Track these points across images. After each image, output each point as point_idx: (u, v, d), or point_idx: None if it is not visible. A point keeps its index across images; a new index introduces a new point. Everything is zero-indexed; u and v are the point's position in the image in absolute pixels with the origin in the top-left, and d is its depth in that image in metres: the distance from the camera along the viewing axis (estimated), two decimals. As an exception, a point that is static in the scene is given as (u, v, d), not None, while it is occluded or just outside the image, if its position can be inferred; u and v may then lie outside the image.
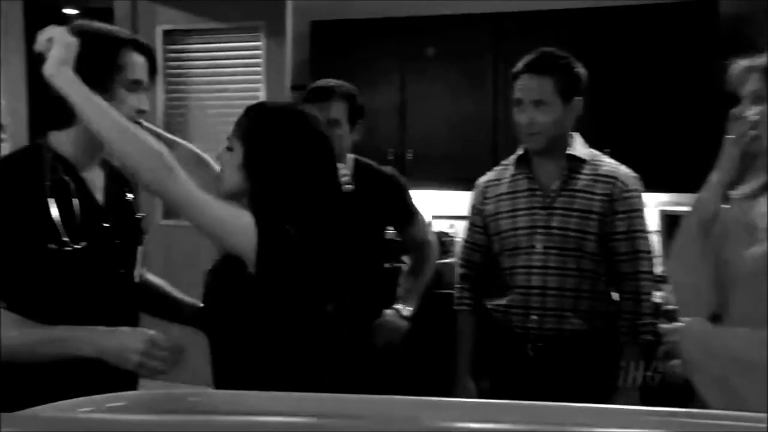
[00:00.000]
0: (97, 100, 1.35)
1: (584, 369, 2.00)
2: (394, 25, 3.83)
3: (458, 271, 2.24)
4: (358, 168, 2.27)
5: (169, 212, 3.99)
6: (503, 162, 2.18)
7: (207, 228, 1.35)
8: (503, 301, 2.07)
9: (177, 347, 1.37)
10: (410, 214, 2.38)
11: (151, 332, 1.37)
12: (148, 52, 1.50)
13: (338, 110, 2.17)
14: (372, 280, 2.31)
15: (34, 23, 3.41)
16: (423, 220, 2.42)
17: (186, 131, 4.02)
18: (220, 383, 1.47)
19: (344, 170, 2.13)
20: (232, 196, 1.45)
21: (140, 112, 1.47)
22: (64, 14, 6.07)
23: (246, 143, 1.40)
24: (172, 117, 4.04)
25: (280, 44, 3.72)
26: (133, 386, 1.44)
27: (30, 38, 3.22)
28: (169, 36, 3.94)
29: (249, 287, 1.36)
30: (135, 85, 1.46)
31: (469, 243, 2.20)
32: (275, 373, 1.37)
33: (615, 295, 2.07)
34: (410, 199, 2.38)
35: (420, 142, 3.80)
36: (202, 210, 1.34)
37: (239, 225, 1.35)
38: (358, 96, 2.25)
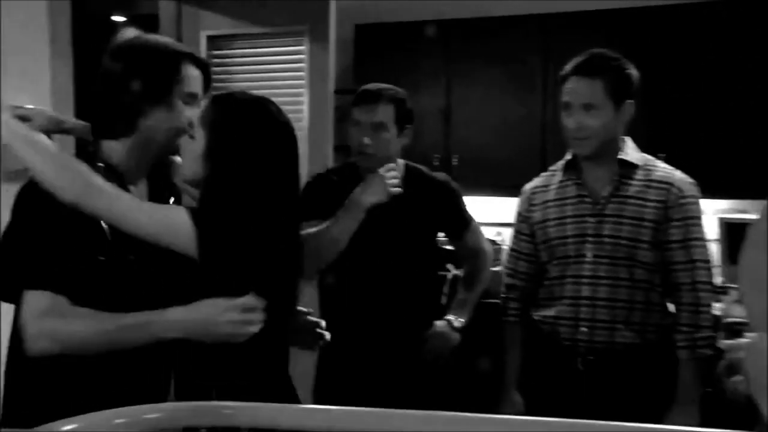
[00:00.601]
0: (14, 124, 1.38)
1: (638, 385, 1.95)
2: (439, 28, 3.81)
3: (504, 280, 2.21)
4: (409, 173, 2.25)
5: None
6: (551, 168, 2.14)
7: (143, 233, 1.35)
8: (551, 312, 2.03)
9: (252, 305, 1.35)
10: (465, 221, 2.35)
11: (229, 300, 1.36)
12: (204, 66, 1.55)
13: (385, 114, 2.17)
14: (422, 288, 2.28)
15: (82, 31, 3.50)
16: (478, 228, 2.39)
17: (229, 137, 4.05)
18: (177, 381, 1.48)
19: (394, 173, 2.13)
20: (190, 183, 1.49)
21: (193, 124, 1.50)
22: (113, 21, 6.28)
23: (210, 133, 1.40)
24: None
25: (323, 48, 3.74)
26: (164, 396, 1.44)
27: (78, 46, 3.31)
28: (213, 41, 4.00)
29: (194, 279, 1.36)
30: (191, 98, 1.51)
31: (516, 251, 2.17)
32: (229, 365, 1.39)
33: (671, 307, 2.00)
34: (464, 205, 2.36)
35: (466, 147, 3.78)
36: (134, 217, 1.35)
37: (175, 222, 1.35)
38: (407, 100, 2.23)
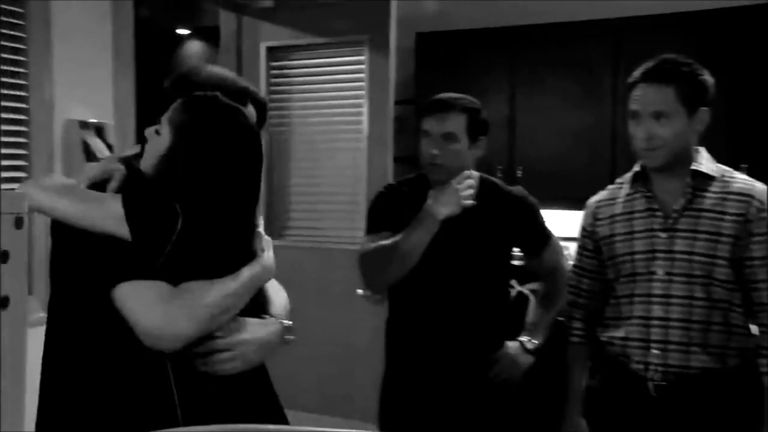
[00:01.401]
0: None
1: (716, 413, 1.85)
2: (503, 35, 3.76)
3: (568, 298, 2.14)
4: (484, 186, 2.20)
5: (271, 232, 4.08)
6: (618, 180, 2.07)
7: (73, 219, 1.32)
8: (619, 333, 1.95)
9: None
10: (545, 237, 2.29)
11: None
12: (259, 104, 1.54)
13: (456, 124, 2.13)
14: (495, 306, 2.22)
15: (146, 44, 3.60)
16: (558, 244, 2.33)
17: (288, 148, 4.11)
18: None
19: (471, 181, 2.09)
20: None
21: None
22: (177, 34, 6.46)
23: (174, 133, 1.37)
24: (274, 134, 4.13)
25: (383, 58, 3.74)
26: (173, 421, 1.37)
27: (142, 58, 3.40)
28: (272, 52, 4.04)
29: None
30: None
31: (579, 268, 2.10)
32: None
33: (754, 329, 1.90)
34: (544, 221, 2.30)
35: (531, 158, 3.71)
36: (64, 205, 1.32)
37: (105, 205, 1.33)
38: (480, 110, 2.19)
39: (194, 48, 6.48)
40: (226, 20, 4.11)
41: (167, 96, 1.44)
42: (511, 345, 2.19)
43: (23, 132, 2.93)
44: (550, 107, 3.69)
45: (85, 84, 3.12)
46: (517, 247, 2.32)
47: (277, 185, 4.11)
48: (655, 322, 1.88)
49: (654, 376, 1.87)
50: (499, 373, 2.16)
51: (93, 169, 1.45)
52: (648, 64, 1.89)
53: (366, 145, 3.86)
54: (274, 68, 4.08)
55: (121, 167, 1.41)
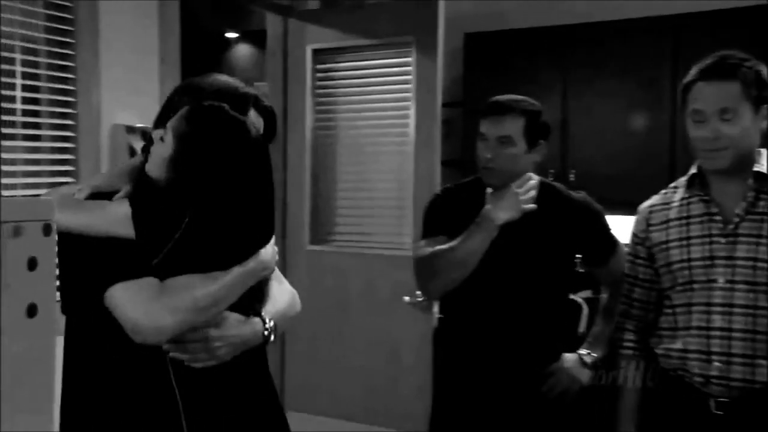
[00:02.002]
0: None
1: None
2: (555, 34, 3.70)
3: (619, 308, 2.07)
4: (545, 191, 2.15)
5: (316, 238, 4.09)
6: (671, 184, 1.99)
7: (78, 229, 1.39)
8: (676, 345, 1.87)
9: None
10: (611, 245, 2.22)
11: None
12: (266, 112, 1.55)
13: (512, 127, 2.09)
14: (554, 316, 2.17)
15: (196, 47, 3.64)
16: (624, 252, 2.25)
17: (334, 152, 4.10)
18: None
19: (532, 182, 2.06)
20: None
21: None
22: (225, 38, 6.58)
23: (176, 142, 1.41)
24: (319, 138, 4.13)
25: (431, 59, 3.69)
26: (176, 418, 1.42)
27: (191, 62, 3.44)
28: (318, 55, 4.05)
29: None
30: None
31: (631, 277, 2.03)
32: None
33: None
34: (609, 228, 2.23)
35: (584, 161, 3.64)
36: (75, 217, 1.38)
37: (109, 209, 1.40)
38: (541, 113, 2.15)
39: (242, 51, 6.66)
40: (273, 23, 4.14)
41: (173, 103, 1.49)
42: (569, 358, 2.14)
43: (71, 137, 3.00)
44: (604, 109, 3.61)
45: (132, 88, 3.18)
46: (580, 255, 2.25)
47: (322, 190, 4.11)
48: (716, 333, 1.81)
49: (715, 391, 1.79)
50: (554, 388, 2.11)
51: (97, 180, 1.51)
52: (706, 61, 1.82)
53: (413, 148, 3.82)
54: (320, 71, 4.07)
55: (127, 185, 1.46)
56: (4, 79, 2.80)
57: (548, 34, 3.73)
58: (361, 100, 4.01)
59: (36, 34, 2.90)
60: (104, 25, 3.04)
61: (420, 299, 3.21)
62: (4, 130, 2.81)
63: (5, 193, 2.79)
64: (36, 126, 2.93)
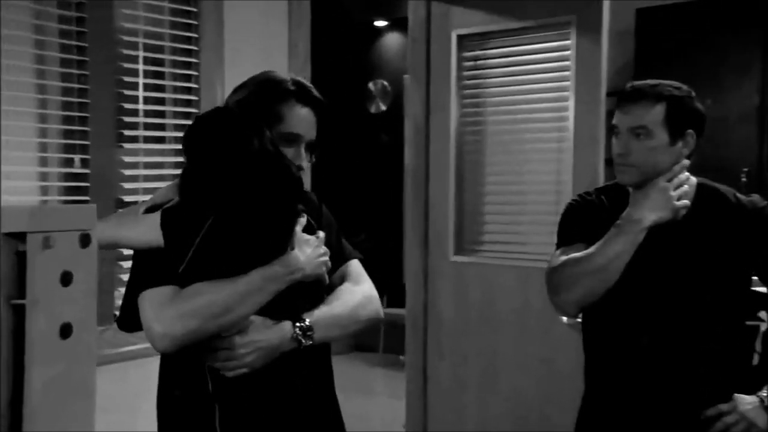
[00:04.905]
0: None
1: None
2: (753, 4, 3.38)
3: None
4: (703, 194, 2.00)
5: (462, 247, 4.07)
6: None
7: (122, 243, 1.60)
8: None
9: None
10: None
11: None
12: (314, 103, 1.65)
13: (647, 115, 1.93)
14: (722, 344, 1.98)
15: (345, 35, 3.69)
16: None
17: (482, 150, 4.06)
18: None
19: (684, 175, 1.94)
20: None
21: (296, 168, 1.60)
22: (375, 27, 6.80)
23: (183, 152, 1.55)
24: (465, 134, 4.10)
25: (594, 42, 3.58)
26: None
27: (340, 50, 3.56)
28: (463, 41, 4.03)
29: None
30: (291, 138, 1.62)
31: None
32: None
33: None
34: None
35: (786, 158, 3.30)
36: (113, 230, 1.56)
37: (146, 220, 1.55)
38: (686, 98, 1.97)
39: (391, 41, 6.92)
40: (415, 8, 4.17)
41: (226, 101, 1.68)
42: (746, 400, 1.92)
43: (195, 138, 3.12)
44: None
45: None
46: (755, 271, 2.03)
47: (468, 193, 4.09)
48: None
49: None
50: None
51: (158, 194, 1.69)
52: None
53: (572, 145, 3.72)
54: (466, 59, 4.05)
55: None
56: (126, 79, 2.95)
57: (743, 4, 3.42)
58: (513, 91, 3.98)
59: (161, 30, 3.05)
60: (230, 19, 3.20)
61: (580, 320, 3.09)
62: (127, 133, 2.97)
63: (126, 198, 2.93)
64: (160, 127, 3.06)
